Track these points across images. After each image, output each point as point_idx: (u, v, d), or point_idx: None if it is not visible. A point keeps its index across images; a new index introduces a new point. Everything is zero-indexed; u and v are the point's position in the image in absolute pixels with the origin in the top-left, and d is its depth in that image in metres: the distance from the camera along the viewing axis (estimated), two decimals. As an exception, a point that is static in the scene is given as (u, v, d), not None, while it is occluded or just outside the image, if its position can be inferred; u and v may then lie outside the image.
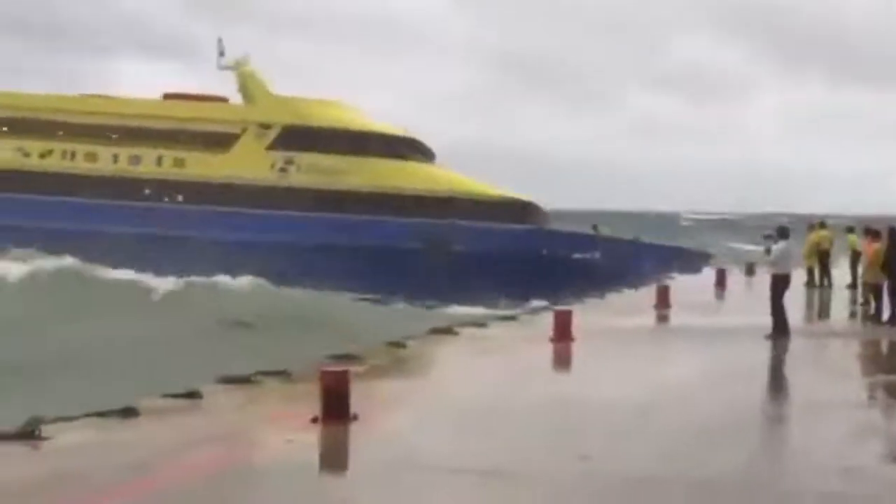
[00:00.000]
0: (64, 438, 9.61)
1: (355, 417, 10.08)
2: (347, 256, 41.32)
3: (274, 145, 44.27)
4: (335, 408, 10.10)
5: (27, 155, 44.31)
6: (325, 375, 10.33)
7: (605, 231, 47.25)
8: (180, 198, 44.07)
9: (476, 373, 13.83)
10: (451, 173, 45.46)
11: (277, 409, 11.13)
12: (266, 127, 44.38)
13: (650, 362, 15.04)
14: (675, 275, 39.47)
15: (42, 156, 44.31)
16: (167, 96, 46.40)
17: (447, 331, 17.19)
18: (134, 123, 44.37)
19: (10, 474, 8.35)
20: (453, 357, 15.25)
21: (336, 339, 17.98)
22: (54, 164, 44.10)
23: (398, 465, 8.78)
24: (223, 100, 46.30)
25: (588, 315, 19.57)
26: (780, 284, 17.14)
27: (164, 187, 44.06)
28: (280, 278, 38.28)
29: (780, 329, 16.93)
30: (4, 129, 44.96)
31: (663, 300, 22.06)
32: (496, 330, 18.11)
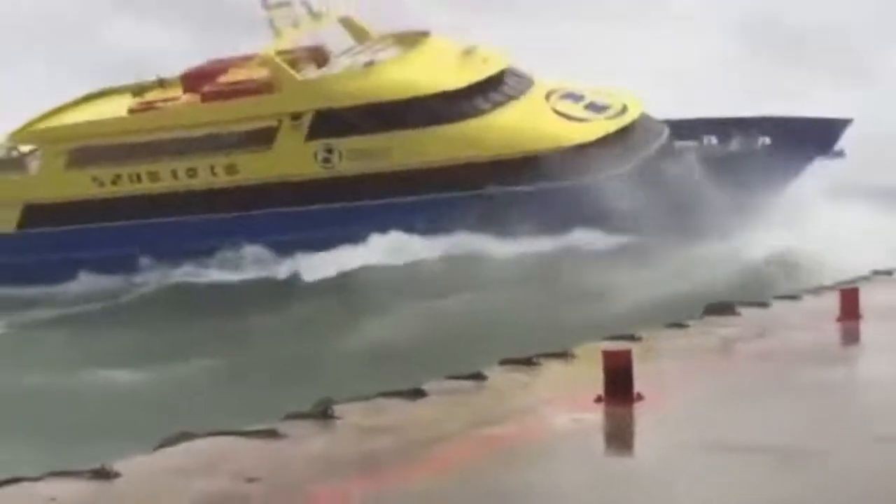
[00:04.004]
0: (354, 419, 10.02)
1: (640, 397, 10.15)
2: None
3: (311, 135, 42.00)
4: (619, 387, 10.22)
5: (102, 184, 44.05)
6: (607, 356, 10.46)
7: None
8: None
9: (762, 352, 13.63)
10: (514, 124, 41.39)
11: (560, 390, 11.32)
12: (298, 117, 42.12)
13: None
14: None
15: (114, 182, 43.89)
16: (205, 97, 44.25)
17: (728, 310, 16.96)
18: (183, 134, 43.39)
19: (310, 450, 8.83)
20: (736, 337, 15.06)
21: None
22: (125, 189, 43.81)
23: (687, 444, 8.84)
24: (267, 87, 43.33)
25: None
26: None
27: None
28: None
29: None
30: (77, 160, 44.44)
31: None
32: (778, 309, 17.75)
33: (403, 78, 42.46)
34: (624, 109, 42.69)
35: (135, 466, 8.38)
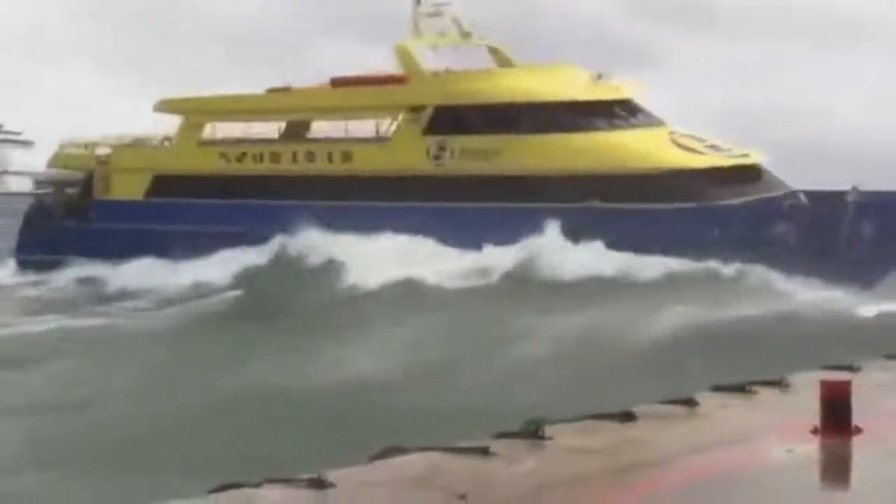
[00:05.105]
0: (564, 440, 10.03)
1: (858, 430, 9.85)
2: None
3: (427, 130, 42.41)
4: (836, 419, 9.95)
5: (228, 161, 45.61)
6: (825, 385, 10.19)
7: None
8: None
9: None
10: (646, 145, 40.61)
11: (775, 419, 11.08)
12: (418, 110, 42.52)
13: None
14: None
15: (238, 160, 45.46)
16: (334, 82, 45.46)
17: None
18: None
19: (519, 470, 8.89)
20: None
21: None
22: (249, 167, 45.28)
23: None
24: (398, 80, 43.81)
25: None
26: None
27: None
28: None
29: None
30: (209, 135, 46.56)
31: None
32: None
33: (524, 84, 43.00)
34: (744, 156, 41.79)
35: (349, 477, 8.60)
